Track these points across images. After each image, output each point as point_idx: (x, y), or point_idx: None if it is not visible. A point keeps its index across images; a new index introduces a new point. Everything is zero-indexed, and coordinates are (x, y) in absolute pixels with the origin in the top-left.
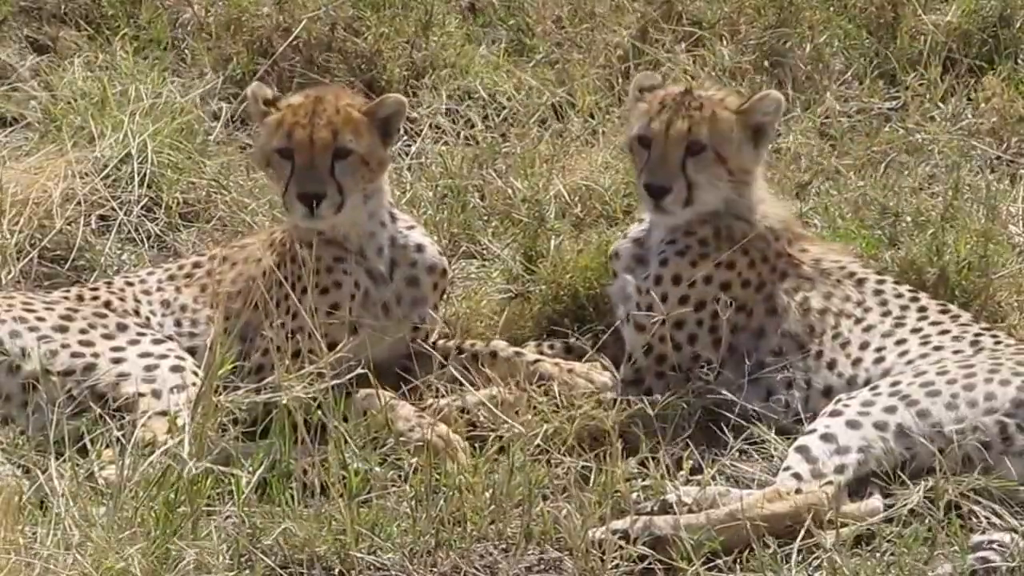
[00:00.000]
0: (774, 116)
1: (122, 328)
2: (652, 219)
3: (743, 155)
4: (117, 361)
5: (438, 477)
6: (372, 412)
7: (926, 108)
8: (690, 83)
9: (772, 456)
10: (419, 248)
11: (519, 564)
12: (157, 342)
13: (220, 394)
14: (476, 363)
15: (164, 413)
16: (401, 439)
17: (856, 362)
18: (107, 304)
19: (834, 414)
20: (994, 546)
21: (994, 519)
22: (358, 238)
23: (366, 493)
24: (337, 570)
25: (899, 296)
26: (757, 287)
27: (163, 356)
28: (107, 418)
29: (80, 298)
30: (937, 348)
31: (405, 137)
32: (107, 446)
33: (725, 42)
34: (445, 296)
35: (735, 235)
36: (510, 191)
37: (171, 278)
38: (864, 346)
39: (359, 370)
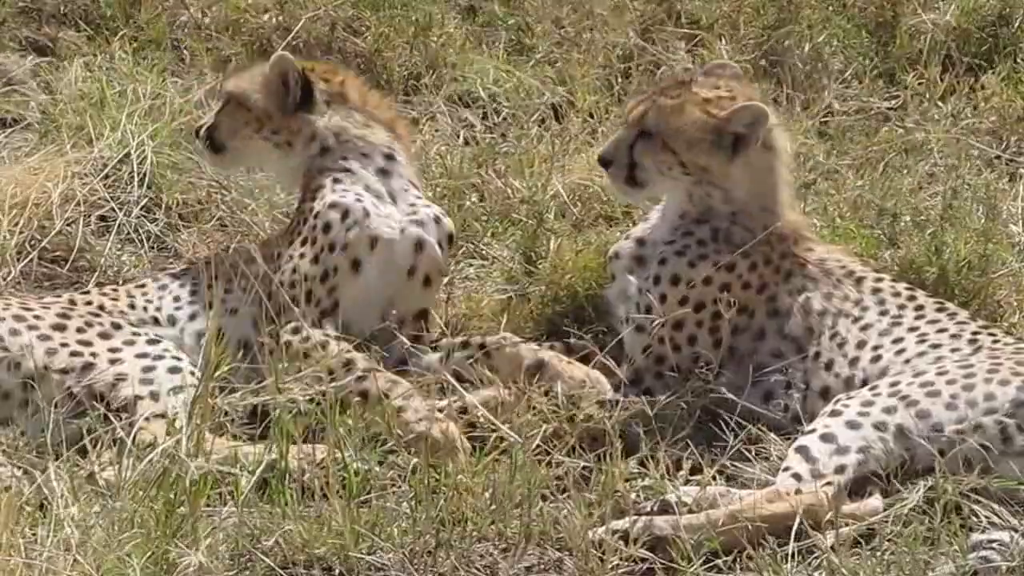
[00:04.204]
0: (754, 128)
1: (117, 327)
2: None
3: (701, 154)
4: (114, 362)
5: (438, 477)
6: (389, 397)
7: (925, 107)
8: (694, 74)
9: (772, 456)
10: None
11: (519, 564)
12: (153, 342)
13: (216, 396)
14: (483, 352)
15: (163, 415)
16: (405, 428)
17: (853, 362)
18: (101, 307)
19: (834, 414)
20: (994, 545)
21: (994, 519)
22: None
23: (366, 494)
24: (337, 571)
25: (896, 295)
26: (759, 289)
27: (160, 357)
28: (109, 416)
29: (72, 302)
30: (935, 347)
31: None
32: (107, 447)
33: (724, 41)
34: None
35: (734, 237)
36: (509, 191)
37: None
38: (861, 345)
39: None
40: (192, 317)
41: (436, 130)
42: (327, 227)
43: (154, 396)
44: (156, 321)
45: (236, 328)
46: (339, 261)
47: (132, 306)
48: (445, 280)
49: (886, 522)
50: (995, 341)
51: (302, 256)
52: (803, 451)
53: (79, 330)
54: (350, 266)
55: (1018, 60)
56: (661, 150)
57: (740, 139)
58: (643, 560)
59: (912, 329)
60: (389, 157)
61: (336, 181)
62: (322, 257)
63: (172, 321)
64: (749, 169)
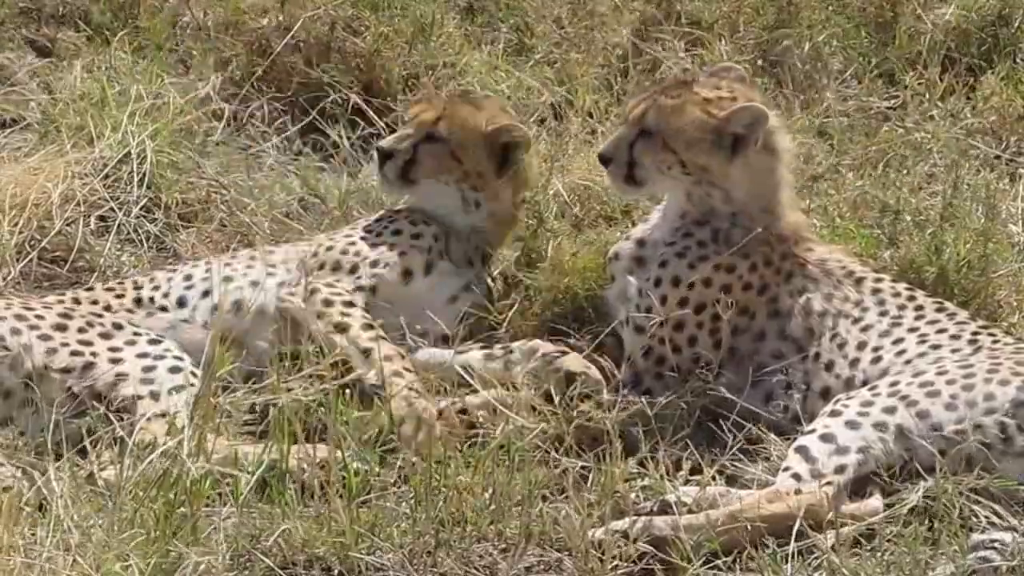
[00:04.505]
0: (753, 128)
1: (118, 327)
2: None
3: (701, 154)
4: (115, 361)
5: (438, 477)
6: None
7: (925, 107)
8: (695, 74)
9: (772, 456)
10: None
11: (519, 564)
12: (154, 342)
13: (219, 396)
14: (505, 351)
15: (163, 415)
16: (394, 390)
17: (853, 363)
18: (107, 307)
19: (833, 414)
20: (994, 545)
21: (994, 519)
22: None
23: (366, 494)
24: (337, 571)
25: (896, 295)
26: (760, 290)
27: (160, 356)
28: (109, 416)
29: (76, 300)
30: (935, 347)
31: None
32: (107, 447)
33: (724, 41)
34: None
35: (734, 238)
36: None
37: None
38: (861, 346)
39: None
40: (205, 294)
41: None
42: (397, 232)
43: (154, 396)
44: (164, 309)
45: (255, 298)
46: (393, 263)
47: (138, 300)
48: (476, 320)
49: (886, 522)
50: (995, 341)
51: (363, 239)
52: (803, 451)
53: (80, 330)
54: (401, 273)
55: (1018, 60)
56: (661, 149)
57: (739, 140)
58: (643, 560)
59: (912, 330)
60: (484, 260)
61: (428, 224)
62: (380, 250)
63: (182, 303)
64: (749, 170)
